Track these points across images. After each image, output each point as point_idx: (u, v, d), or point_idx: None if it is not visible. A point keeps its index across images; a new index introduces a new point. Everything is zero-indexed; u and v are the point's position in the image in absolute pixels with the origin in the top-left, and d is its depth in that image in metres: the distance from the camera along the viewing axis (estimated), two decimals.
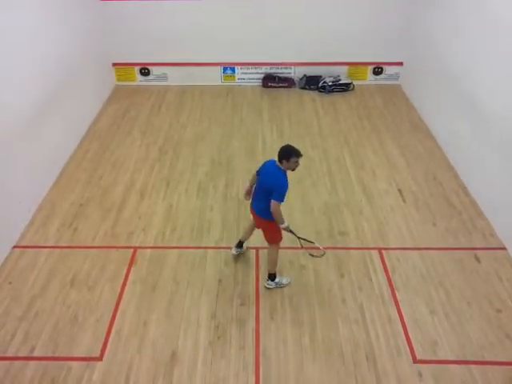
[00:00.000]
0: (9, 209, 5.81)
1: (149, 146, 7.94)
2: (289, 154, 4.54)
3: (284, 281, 5.37)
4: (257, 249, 5.89)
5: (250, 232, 5.59)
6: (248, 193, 5.27)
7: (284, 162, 4.56)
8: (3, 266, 5.64)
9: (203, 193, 6.85)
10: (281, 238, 5.14)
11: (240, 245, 5.73)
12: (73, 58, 7.70)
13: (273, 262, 5.28)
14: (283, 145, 4.68)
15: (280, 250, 5.58)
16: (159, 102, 9.39)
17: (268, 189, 4.63)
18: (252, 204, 5.10)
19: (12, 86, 5.86)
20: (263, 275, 5.50)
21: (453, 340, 4.78)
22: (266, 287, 5.36)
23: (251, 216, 5.28)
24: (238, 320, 5.01)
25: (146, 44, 9.52)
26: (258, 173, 4.97)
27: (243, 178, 7.11)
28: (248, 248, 5.87)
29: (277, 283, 5.33)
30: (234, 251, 5.74)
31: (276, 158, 4.66)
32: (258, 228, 5.31)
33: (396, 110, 9.07)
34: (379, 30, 9.36)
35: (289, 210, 6.49)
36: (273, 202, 4.56)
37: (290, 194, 6.73)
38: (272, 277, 5.31)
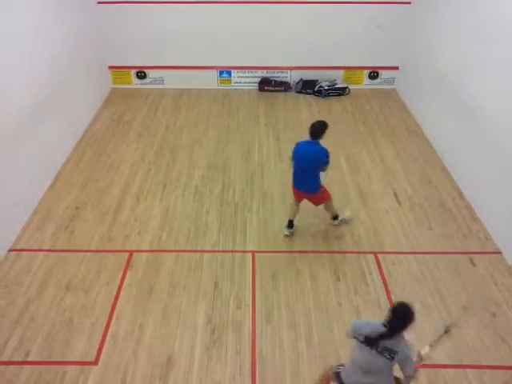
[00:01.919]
0: (4, 212, 5.79)
1: (145, 149, 7.94)
2: (324, 128, 5.28)
3: (347, 216, 6.15)
4: (253, 252, 5.89)
5: (297, 210, 6.01)
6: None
7: (321, 136, 5.32)
8: None
9: (199, 196, 6.85)
10: (330, 194, 5.87)
11: (291, 224, 6.07)
12: (69, 61, 7.69)
13: (332, 211, 6.04)
14: (315, 122, 5.32)
15: (277, 254, 5.63)
16: (155, 106, 9.39)
17: (316, 163, 5.34)
18: (299, 187, 5.65)
19: (7, 89, 5.84)
20: (259, 279, 5.51)
21: (448, 344, 4.78)
22: (332, 224, 6.12)
23: (295, 198, 5.86)
24: (234, 324, 5.00)
25: (142, 47, 9.53)
26: (296, 157, 5.45)
27: (239, 182, 7.13)
28: (243, 252, 5.88)
29: (341, 220, 6.14)
30: (286, 232, 6.08)
31: (309, 138, 5.33)
32: (313, 202, 5.84)
33: (391, 114, 9.11)
34: (375, 34, 9.40)
35: (285, 213, 6.51)
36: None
37: (287, 198, 6.78)
38: (335, 217, 6.10)
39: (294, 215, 6.05)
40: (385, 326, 3.40)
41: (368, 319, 5.01)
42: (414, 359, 3.44)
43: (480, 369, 4.57)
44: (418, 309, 5.10)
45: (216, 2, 8.97)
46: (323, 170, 5.50)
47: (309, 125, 8.48)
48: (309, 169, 5.43)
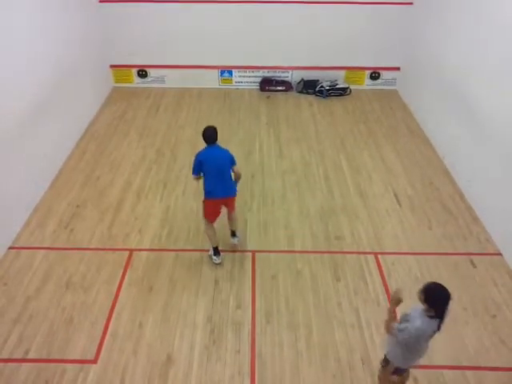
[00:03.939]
0: (5, 209, 5.79)
1: (146, 148, 7.94)
2: (216, 132, 5.27)
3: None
4: (253, 252, 5.89)
5: (215, 232, 5.66)
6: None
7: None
8: None
9: (200, 195, 6.81)
10: None
11: (218, 252, 5.70)
12: (70, 60, 7.69)
13: (237, 219, 5.89)
14: (206, 128, 5.26)
15: (277, 254, 5.63)
16: (157, 104, 9.39)
17: (227, 164, 5.31)
18: (219, 194, 5.36)
19: (9, 87, 5.84)
20: (259, 278, 5.51)
21: (448, 345, 4.79)
22: (235, 243, 5.92)
23: (212, 216, 5.56)
24: (233, 323, 5.00)
25: (143, 46, 9.54)
26: (204, 166, 5.23)
27: (240, 181, 7.10)
28: (244, 251, 5.90)
29: (238, 238, 5.96)
30: (217, 260, 5.69)
31: (224, 148, 5.35)
32: (231, 208, 5.67)
33: (393, 114, 9.11)
34: (376, 35, 9.41)
35: (286, 213, 6.52)
36: (237, 168, 5.41)
37: (287, 198, 6.78)
38: (235, 233, 5.92)
39: (217, 241, 5.67)
40: (431, 316, 3.31)
41: (368, 319, 5.02)
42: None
43: (479, 370, 4.57)
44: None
45: (218, 2, 8.98)
46: (238, 177, 5.46)
47: (310, 125, 8.47)
48: (225, 170, 5.32)
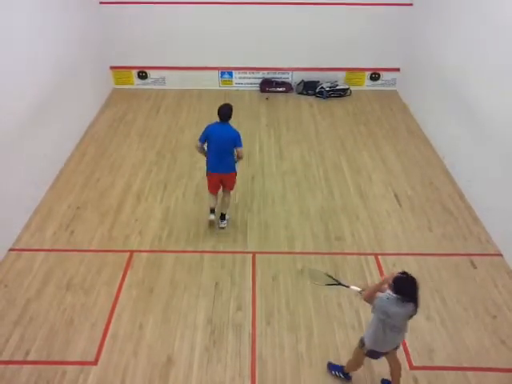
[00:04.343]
0: (5, 211, 5.79)
1: (146, 150, 7.94)
2: (232, 110, 5.66)
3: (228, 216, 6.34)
4: (253, 253, 5.89)
5: (216, 200, 6.14)
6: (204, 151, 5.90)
7: (230, 118, 5.67)
8: None
9: (200, 196, 6.85)
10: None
11: (213, 211, 6.14)
12: (70, 61, 7.70)
13: (228, 204, 6.23)
14: (223, 105, 5.63)
15: (277, 255, 5.63)
16: (157, 106, 9.40)
17: (230, 144, 5.63)
18: (216, 170, 5.78)
19: (9, 88, 5.84)
20: (260, 279, 5.51)
21: (448, 346, 4.79)
22: (221, 227, 6.21)
23: (213, 189, 6.01)
24: (234, 324, 5.00)
25: (143, 47, 9.54)
26: (209, 139, 5.67)
27: (240, 182, 7.11)
28: (244, 253, 5.90)
29: (227, 219, 6.28)
30: (211, 217, 6.12)
31: (220, 122, 5.66)
32: (227, 185, 6.05)
33: (393, 115, 9.11)
34: (376, 36, 9.41)
35: (286, 214, 6.51)
36: (240, 150, 5.68)
37: (288, 199, 6.78)
38: (224, 216, 6.21)
39: (214, 204, 6.12)
40: (402, 300, 3.53)
41: (368, 321, 5.01)
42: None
43: (480, 371, 4.56)
44: (418, 313, 5.12)
45: (218, 3, 8.98)
46: (239, 157, 5.78)
47: (310, 126, 8.51)
48: (225, 148, 5.67)
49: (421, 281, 5.39)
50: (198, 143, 5.77)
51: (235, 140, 5.64)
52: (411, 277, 3.54)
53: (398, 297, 3.53)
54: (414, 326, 4.96)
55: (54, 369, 4.53)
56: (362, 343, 4.03)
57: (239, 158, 5.80)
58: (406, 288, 3.52)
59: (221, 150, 5.65)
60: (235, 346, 4.77)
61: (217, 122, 5.68)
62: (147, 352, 4.70)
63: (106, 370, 4.53)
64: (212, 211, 6.11)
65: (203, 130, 5.73)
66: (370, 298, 3.72)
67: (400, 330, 3.78)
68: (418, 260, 5.80)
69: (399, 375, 4.20)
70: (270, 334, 4.89)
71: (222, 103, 5.73)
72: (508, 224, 5.78)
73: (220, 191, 6.15)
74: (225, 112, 5.59)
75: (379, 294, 3.69)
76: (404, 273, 3.57)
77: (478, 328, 4.97)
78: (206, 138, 5.69)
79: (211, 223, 6.16)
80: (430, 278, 5.57)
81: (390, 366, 4.19)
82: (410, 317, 3.66)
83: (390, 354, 4.06)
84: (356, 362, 4.24)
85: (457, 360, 4.66)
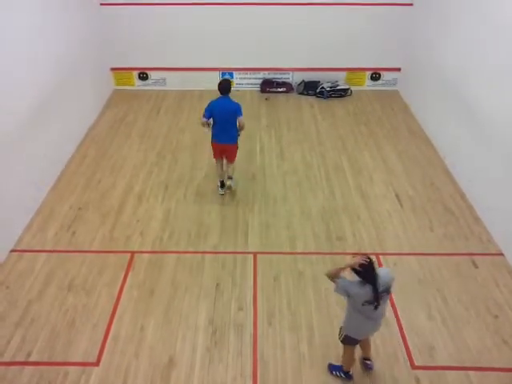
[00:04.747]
0: (7, 212, 5.80)
1: (147, 151, 7.95)
2: (231, 84, 6.28)
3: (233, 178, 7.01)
4: (254, 254, 5.89)
5: (222, 169, 6.79)
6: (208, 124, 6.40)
7: (230, 91, 6.24)
8: (0, 269, 5.62)
9: (201, 197, 6.86)
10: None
11: (223, 184, 6.82)
12: (71, 62, 7.71)
13: (232, 170, 6.93)
14: (222, 80, 6.31)
15: (278, 255, 5.65)
16: (158, 107, 9.41)
17: (232, 115, 6.18)
18: (220, 140, 6.38)
19: (9, 89, 5.85)
20: (261, 280, 5.51)
21: (450, 346, 4.79)
22: (230, 186, 6.90)
23: (217, 156, 6.63)
24: (235, 325, 5.00)
25: (144, 48, 9.55)
26: (213, 113, 6.20)
27: (241, 183, 7.13)
28: (245, 253, 5.90)
29: (233, 180, 6.97)
30: (221, 191, 6.82)
31: (223, 97, 6.24)
32: (228, 156, 6.66)
33: (394, 115, 9.10)
34: (377, 36, 9.41)
35: (287, 214, 6.51)
36: (241, 118, 6.20)
37: (289, 199, 6.79)
38: (230, 177, 6.93)
39: (222, 176, 6.77)
40: (363, 283, 3.73)
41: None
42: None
43: (482, 370, 4.55)
44: (419, 310, 5.13)
45: (218, 4, 8.99)
46: (241, 126, 6.30)
47: (311, 126, 8.54)
48: (228, 120, 6.22)
49: (422, 280, 5.48)
50: (203, 119, 6.21)
51: (236, 111, 6.17)
52: (372, 263, 3.73)
53: (360, 280, 3.73)
54: (415, 326, 4.99)
55: (55, 370, 4.54)
56: (340, 331, 4.22)
57: (241, 127, 6.30)
58: (368, 272, 3.70)
59: (224, 121, 6.22)
60: (237, 347, 4.78)
61: (218, 97, 6.22)
62: (149, 353, 4.71)
63: (107, 371, 4.54)
64: (222, 185, 6.82)
65: (206, 106, 6.24)
66: (334, 276, 3.87)
67: (369, 317, 3.91)
68: (419, 260, 5.80)
69: (369, 349, 4.54)
70: (271, 335, 4.89)
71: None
72: (509, 223, 5.78)
73: (225, 161, 6.80)
74: (224, 86, 6.16)
75: (342, 275, 3.88)
76: (368, 258, 3.73)
77: (479, 327, 4.97)
78: (210, 113, 6.18)
79: (222, 195, 6.83)
80: (431, 277, 5.56)
81: (362, 348, 4.48)
82: (371, 303, 3.76)
83: (364, 340, 4.34)
84: (347, 355, 4.32)
85: (458, 360, 4.66)
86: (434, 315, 5.10)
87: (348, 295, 3.83)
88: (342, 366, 4.44)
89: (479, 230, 6.27)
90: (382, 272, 3.82)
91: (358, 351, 4.50)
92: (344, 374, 4.43)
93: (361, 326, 4.03)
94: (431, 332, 4.92)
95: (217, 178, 6.87)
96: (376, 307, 3.77)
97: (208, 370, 4.56)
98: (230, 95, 6.29)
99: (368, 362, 4.56)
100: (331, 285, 5.03)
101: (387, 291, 3.82)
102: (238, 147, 6.67)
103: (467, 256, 5.87)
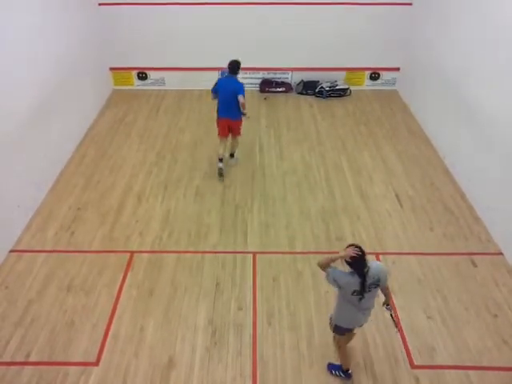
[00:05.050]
0: (6, 213, 5.80)
1: (146, 151, 7.94)
2: (239, 65, 6.83)
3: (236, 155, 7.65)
4: (254, 253, 5.89)
5: (225, 145, 7.27)
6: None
7: (238, 72, 6.84)
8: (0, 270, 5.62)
9: (201, 197, 6.86)
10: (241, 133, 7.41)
11: (222, 160, 7.18)
12: (70, 62, 7.70)
13: (235, 147, 7.52)
14: (231, 60, 6.77)
15: (278, 255, 5.64)
16: (157, 106, 9.40)
17: (235, 93, 6.61)
18: (224, 115, 6.91)
19: (8, 89, 5.85)
20: (260, 280, 5.51)
21: (450, 345, 4.79)
22: (232, 164, 7.52)
23: (221, 133, 7.12)
24: (235, 325, 5.00)
25: (143, 48, 9.54)
26: (218, 90, 6.83)
27: (241, 182, 7.13)
28: (244, 253, 5.90)
29: (236, 159, 7.62)
30: (220, 165, 7.15)
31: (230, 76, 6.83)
32: (232, 130, 7.15)
33: (393, 115, 9.11)
34: (376, 35, 9.41)
35: (286, 214, 6.51)
36: (242, 96, 6.61)
37: (288, 199, 6.78)
38: (233, 155, 7.58)
39: (222, 155, 7.17)
40: (352, 273, 3.78)
41: (370, 320, 5.02)
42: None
43: (482, 370, 4.56)
44: (419, 309, 5.13)
45: (217, 4, 8.98)
46: (242, 105, 6.66)
47: (310, 126, 8.55)
48: (231, 97, 6.70)
49: (422, 280, 5.48)
50: (212, 94, 6.96)
51: (237, 90, 6.61)
52: (364, 255, 3.76)
53: (351, 270, 3.78)
54: (415, 325, 4.99)
55: (55, 370, 4.54)
56: (330, 321, 4.32)
57: (242, 105, 6.66)
58: (358, 263, 3.74)
59: (227, 99, 6.76)
60: (236, 347, 4.78)
61: (225, 76, 6.95)
62: (148, 353, 4.70)
63: (107, 371, 4.53)
64: (220, 160, 7.15)
65: (215, 83, 6.92)
66: (325, 265, 3.91)
67: (359, 308, 3.96)
68: (419, 259, 5.80)
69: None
70: (271, 334, 4.89)
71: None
72: (509, 223, 5.78)
73: (229, 139, 7.31)
74: (232, 66, 6.72)
75: (333, 265, 3.93)
76: (360, 250, 3.75)
77: (479, 327, 4.97)
78: (216, 89, 6.85)
79: (220, 171, 7.15)
80: (431, 276, 5.57)
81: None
82: (359, 294, 3.81)
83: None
84: (341, 349, 4.37)
85: (458, 359, 4.66)
86: (433, 315, 5.10)
87: (338, 285, 3.88)
88: (341, 365, 4.44)
89: (479, 229, 6.27)
90: (374, 265, 3.86)
91: (355, 351, 4.50)
92: (343, 373, 4.44)
93: (351, 316, 4.08)
94: (431, 332, 4.92)
95: (217, 156, 7.29)
96: (360, 299, 3.83)
97: (208, 369, 4.56)
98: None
99: None
100: (331, 286, 5.04)
101: (376, 284, 3.85)
102: (242, 123, 7.14)
103: (467, 256, 5.87)
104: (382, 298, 5.23)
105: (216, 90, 6.85)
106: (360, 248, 3.76)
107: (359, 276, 3.74)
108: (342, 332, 4.24)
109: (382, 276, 3.87)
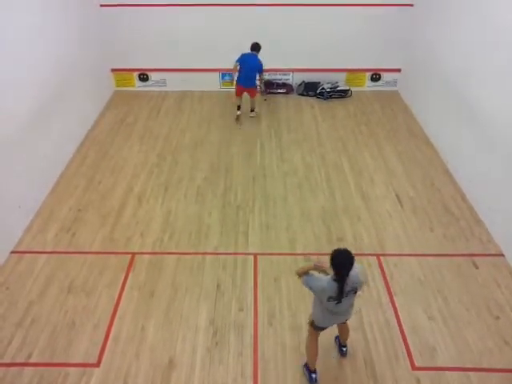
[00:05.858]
0: (7, 214, 5.80)
1: (147, 152, 7.95)
2: (260, 46, 8.29)
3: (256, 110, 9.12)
4: (255, 254, 5.88)
5: (241, 101, 8.74)
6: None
7: (259, 51, 8.31)
8: (0, 271, 5.62)
9: (202, 198, 6.86)
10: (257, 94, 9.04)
11: (240, 108, 8.75)
12: (71, 63, 7.71)
13: (254, 105, 8.94)
14: (253, 42, 8.27)
15: (279, 256, 5.65)
16: (158, 108, 9.41)
17: (254, 69, 8.27)
18: (243, 84, 8.41)
19: (9, 91, 5.85)
20: (261, 281, 5.51)
21: (451, 346, 4.78)
22: (251, 117, 8.97)
23: (238, 94, 8.64)
24: (236, 325, 4.99)
25: (144, 50, 9.55)
26: (241, 63, 8.26)
27: (242, 184, 7.13)
28: (246, 254, 5.90)
29: (256, 112, 9.04)
30: (238, 112, 8.75)
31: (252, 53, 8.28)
32: (250, 93, 8.66)
33: (394, 116, 9.10)
34: (377, 36, 9.41)
35: (287, 215, 6.51)
36: (261, 75, 8.49)
37: (289, 200, 6.79)
38: (253, 110, 8.99)
39: (239, 102, 8.69)
40: (335, 280, 3.77)
41: (370, 321, 5.02)
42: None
43: (483, 371, 4.55)
44: (420, 310, 5.12)
45: (218, 5, 8.99)
46: (261, 80, 8.65)
47: (311, 127, 8.57)
48: (251, 71, 8.26)
49: (423, 281, 5.47)
50: (235, 63, 8.27)
51: (258, 68, 8.23)
52: (348, 253, 3.76)
53: (328, 276, 3.83)
54: (415, 326, 4.98)
55: (56, 371, 4.54)
56: (310, 316, 4.32)
57: (260, 80, 8.59)
58: (343, 266, 3.73)
59: (247, 71, 8.23)
60: (237, 347, 4.77)
61: (248, 52, 8.24)
62: (149, 354, 4.70)
63: (108, 372, 4.53)
64: (238, 108, 8.75)
65: (239, 56, 8.26)
66: (301, 274, 3.99)
67: (333, 312, 4.00)
68: (419, 260, 5.80)
69: (346, 337, 4.60)
70: (272, 335, 4.89)
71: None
72: (510, 224, 5.77)
73: (245, 95, 8.68)
74: (253, 46, 8.22)
75: (311, 272, 3.97)
76: (350, 256, 3.76)
77: (480, 328, 4.96)
78: (239, 61, 8.22)
79: (238, 117, 8.78)
80: (432, 278, 5.56)
81: (339, 332, 4.60)
82: (335, 299, 3.83)
83: (339, 326, 4.48)
84: (308, 341, 4.37)
85: (459, 360, 4.65)
86: (434, 316, 5.09)
87: (313, 292, 3.93)
88: (306, 363, 4.46)
89: (479, 230, 6.27)
90: (353, 272, 3.82)
91: (354, 350, 4.48)
92: (308, 373, 4.43)
93: (325, 318, 4.12)
94: (432, 333, 4.91)
95: (235, 107, 8.78)
96: (337, 303, 3.86)
97: (208, 370, 4.56)
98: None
99: (343, 349, 4.67)
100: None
101: (354, 290, 3.89)
102: (257, 88, 8.74)
103: (468, 257, 5.86)
104: (379, 299, 5.23)
105: (240, 61, 8.20)
106: (347, 251, 3.75)
107: (338, 281, 3.74)
108: (318, 329, 4.27)
109: (359, 284, 3.92)
